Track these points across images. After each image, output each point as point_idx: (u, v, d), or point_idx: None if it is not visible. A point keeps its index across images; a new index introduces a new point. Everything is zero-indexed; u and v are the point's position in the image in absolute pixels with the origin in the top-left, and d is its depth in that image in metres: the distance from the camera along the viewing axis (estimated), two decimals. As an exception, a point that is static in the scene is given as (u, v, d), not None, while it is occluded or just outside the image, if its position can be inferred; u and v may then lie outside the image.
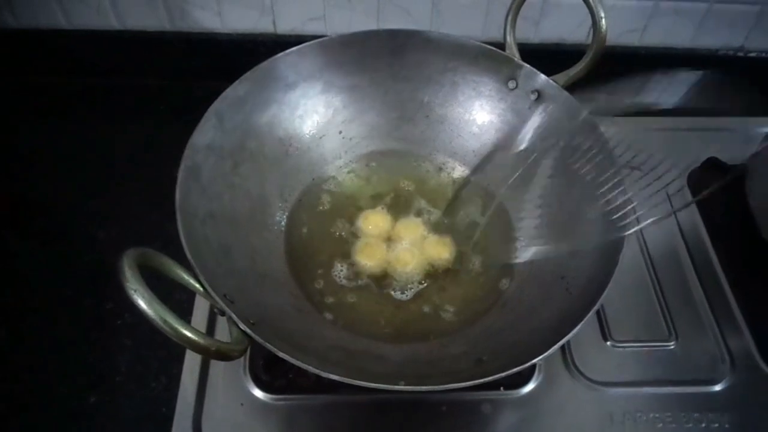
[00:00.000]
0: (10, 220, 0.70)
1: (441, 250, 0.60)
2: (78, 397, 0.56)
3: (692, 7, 0.79)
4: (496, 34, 0.78)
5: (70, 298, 0.63)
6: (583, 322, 0.44)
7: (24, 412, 0.56)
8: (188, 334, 0.37)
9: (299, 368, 0.54)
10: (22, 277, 0.65)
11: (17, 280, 0.64)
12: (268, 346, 0.41)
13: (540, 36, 0.82)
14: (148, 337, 0.60)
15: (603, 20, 0.55)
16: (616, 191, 0.51)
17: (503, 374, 0.42)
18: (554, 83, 0.58)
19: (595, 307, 0.45)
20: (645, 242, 0.66)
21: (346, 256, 0.60)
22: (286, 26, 0.81)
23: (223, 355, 0.39)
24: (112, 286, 0.63)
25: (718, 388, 0.57)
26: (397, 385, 0.41)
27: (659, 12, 0.80)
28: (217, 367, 0.56)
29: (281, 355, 0.41)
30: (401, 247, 0.60)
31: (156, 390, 0.57)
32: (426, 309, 0.57)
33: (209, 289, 0.43)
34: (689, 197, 0.69)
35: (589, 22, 0.56)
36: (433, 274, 0.59)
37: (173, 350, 0.58)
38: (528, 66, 0.59)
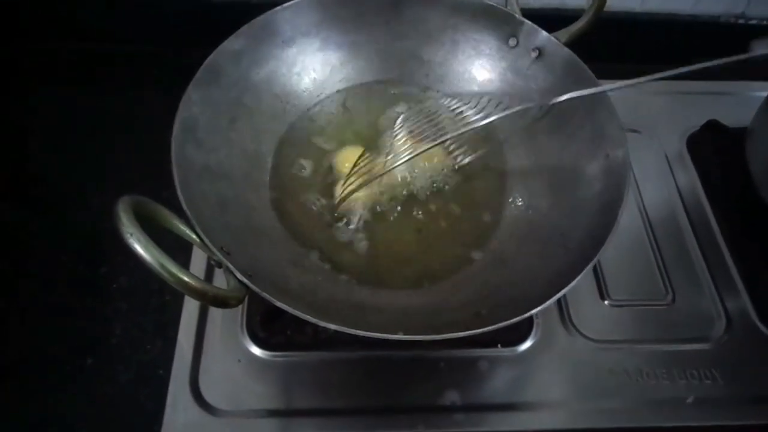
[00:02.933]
0: (5, 187, 0.69)
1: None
2: (74, 361, 0.57)
3: (695, -27, 0.78)
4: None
5: (65, 264, 0.63)
6: (580, 275, 0.44)
7: (21, 376, 0.56)
8: (185, 278, 0.36)
9: (296, 325, 0.55)
10: (17, 243, 0.64)
11: (12, 246, 0.64)
12: (265, 295, 0.41)
13: (541, 1, 0.81)
14: (143, 301, 0.60)
15: (604, -28, 0.54)
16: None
17: (501, 324, 0.41)
18: (556, 40, 0.58)
19: (593, 262, 0.45)
20: (643, 203, 0.67)
21: (340, 209, 0.59)
22: (282, -11, 0.80)
23: (220, 301, 0.39)
24: (107, 251, 0.63)
25: (714, 345, 0.57)
26: (396, 334, 0.41)
27: (661, -23, 0.79)
28: (214, 324, 0.57)
29: (278, 304, 0.40)
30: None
31: (152, 352, 0.57)
32: (424, 263, 0.56)
33: (206, 240, 0.43)
34: (689, 161, 0.69)
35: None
36: (432, 222, 0.59)
37: (169, 313, 0.59)
38: (529, 22, 0.59)
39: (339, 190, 0.57)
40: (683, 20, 0.84)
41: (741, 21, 0.84)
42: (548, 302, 0.43)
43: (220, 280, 0.56)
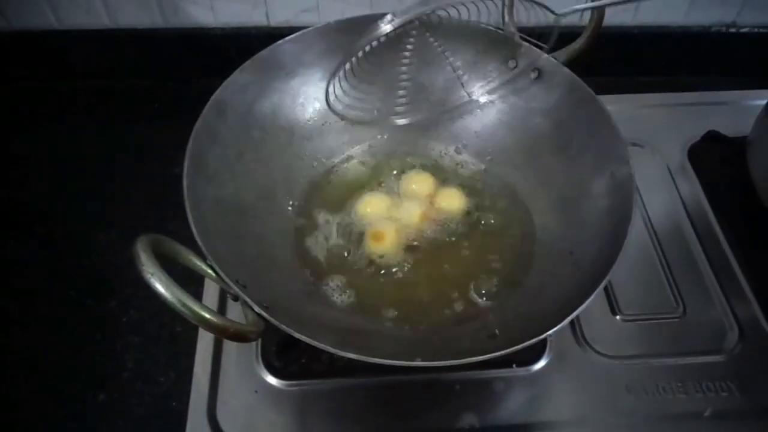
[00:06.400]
0: (9, 225, 0.69)
1: (451, 201, 0.61)
2: (86, 397, 0.56)
3: (685, -16, 0.80)
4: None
5: (73, 300, 0.63)
6: (594, 294, 0.44)
7: (33, 413, 0.56)
8: (206, 315, 0.37)
9: (312, 354, 0.56)
10: (24, 282, 0.65)
11: (19, 285, 0.64)
12: (284, 327, 0.41)
13: (533, 20, 0.82)
14: (154, 333, 0.60)
15: (602, -8, 0.55)
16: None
17: (518, 347, 0.41)
18: (555, 60, 0.58)
19: (605, 280, 0.45)
20: (649, 216, 0.67)
21: (353, 240, 0.60)
22: (279, 18, 0.81)
23: (241, 336, 0.39)
24: (116, 285, 0.64)
25: (727, 357, 0.57)
26: (414, 361, 0.41)
27: (652, -10, 0.80)
28: (229, 356, 0.57)
29: (297, 335, 0.41)
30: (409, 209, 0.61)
31: (165, 385, 0.57)
32: (436, 288, 0.57)
33: (222, 274, 0.43)
34: (691, 172, 0.70)
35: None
36: (444, 248, 0.60)
37: (180, 345, 0.59)
38: (527, 44, 0.59)
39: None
40: (675, 31, 0.85)
41: (733, 30, 0.85)
42: (563, 323, 0.43)
43: (233, 313, 0.57)
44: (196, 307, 0.36)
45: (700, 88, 0.83)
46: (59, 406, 0.56)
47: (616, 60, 0.83)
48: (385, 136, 0.66)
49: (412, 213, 0.61)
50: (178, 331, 0.60)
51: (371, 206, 0.61)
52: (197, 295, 0.60)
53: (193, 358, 0.57)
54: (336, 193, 0.63)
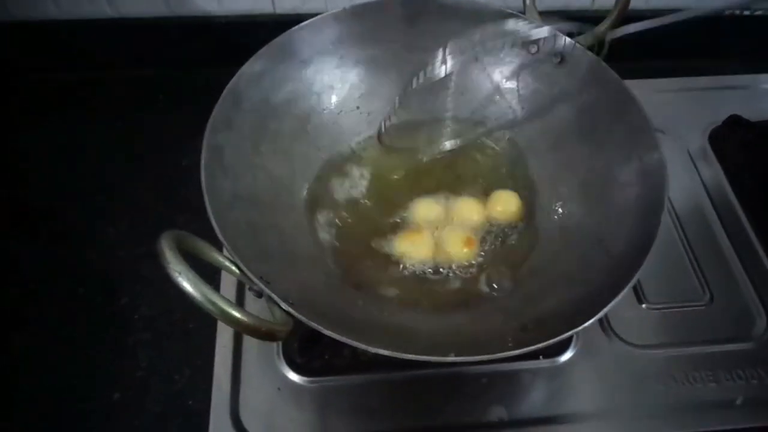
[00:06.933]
0: (14, 224, 0.68)
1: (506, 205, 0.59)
2: (101, 396, 0.55)
3: (697, -32, 0.78)
4: (501, 3, 0.76)
5: (83, 297, 0.62)
6: (630, 284, 0.43)
7: (46, 414, 0.55)
8: (237, 314, 0.35)
9: (334, 349, 0.55)
10: (32, 280, 0.63)
11: (28, 284, 0.63)
12: (313, 324, 0.40)
13: (545, 3, 0.80)
14: (166, 331, 0.59)
15: (630, -25, 0.53)
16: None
17: (555, 340, 0.41)
18: (578, 45, 0.57)
19: (640, 270, 0.44)
20: (672, 203, 0.66)
21: (376, 233, 0.58)
22: (285, 5, 0.79)
23: (272, 335, 0.38)
24: (126, 282, 0.62)
25: (757, 344, 0.57)
26: (448, 356, 0.40)
27: (664, -27, 0.79)
28: (250, 353, 0.56)
29: (327, 333, 0.39)
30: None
31: (180, 383, 0.56)
32: (461, 279, 0.56)
33: (246, 271, 0.42)
34: (713, 157, 0.69)
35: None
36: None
37: (194, 341, 0.58)
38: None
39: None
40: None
41: (747, 13, 0.84)
42: (600, 314, 0.41)
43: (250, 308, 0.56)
44: (226, 306, 0.35)
45: (717, 72, 0.82)
46: (75, 405, 0.55)
47: (629, 45, 0.82)
48: (403, 124, 0.64)
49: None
50: (191, 328, 0.59)
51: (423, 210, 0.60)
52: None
53: (208, 355, 0.56)
54: (355, 184, 0.62)
